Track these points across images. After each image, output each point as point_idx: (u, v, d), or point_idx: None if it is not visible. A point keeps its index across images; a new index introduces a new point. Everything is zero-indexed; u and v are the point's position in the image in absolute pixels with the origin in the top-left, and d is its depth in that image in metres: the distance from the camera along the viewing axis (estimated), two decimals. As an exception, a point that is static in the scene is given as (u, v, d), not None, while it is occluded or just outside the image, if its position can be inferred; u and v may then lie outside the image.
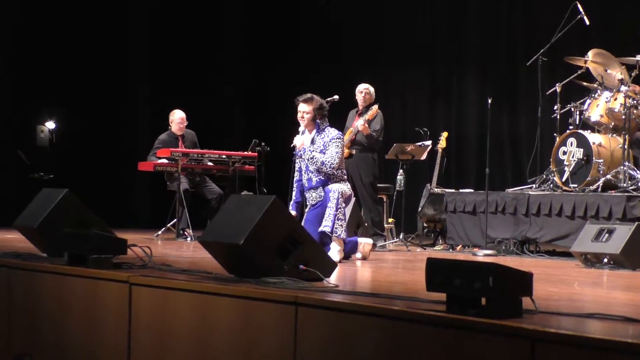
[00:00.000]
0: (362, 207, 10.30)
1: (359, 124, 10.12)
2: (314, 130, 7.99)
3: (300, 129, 8.11)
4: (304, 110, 7.94)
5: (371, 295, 4.72)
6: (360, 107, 10.40)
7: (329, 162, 7.84)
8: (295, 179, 8.24)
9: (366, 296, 4.72)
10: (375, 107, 10.24)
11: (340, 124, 10.21)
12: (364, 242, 8.19)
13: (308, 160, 7.87)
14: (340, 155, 7.94)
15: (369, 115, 10.17)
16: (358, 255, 8.13)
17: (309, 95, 7.96)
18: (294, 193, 8.25)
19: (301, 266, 5.28)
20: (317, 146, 7.93)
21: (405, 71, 14.26)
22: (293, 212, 8.10)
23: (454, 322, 3.86)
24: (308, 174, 7.99)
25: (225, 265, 5.57)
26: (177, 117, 11.28)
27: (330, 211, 7.68)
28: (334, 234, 7.64)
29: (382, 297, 4.63)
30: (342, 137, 8.08)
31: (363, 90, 10.37)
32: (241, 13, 15.84)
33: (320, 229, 7.68)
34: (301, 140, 7.96)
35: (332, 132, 8.00)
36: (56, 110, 14.47)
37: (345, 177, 8.08)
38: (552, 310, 4.20)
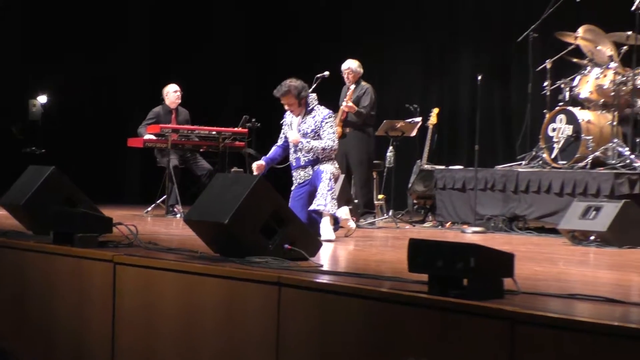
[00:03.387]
0: (353, 185, 10.33)
1: (343, 106, 10.10)
2: (303, 111, 7.97)
3: (287, 118, 8.08)
4: (286, 102, 7.94)
5: (354, 275, 4.73)
6: (349, 85, 10.37)
7: (329, 145, 7.84)
8: (278, 143, 8.21)
9: (349, 276, 4.73)
10: (351, 89, 10.16)
11: (334, 101, 10.18)
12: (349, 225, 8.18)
13: (308, 151, 7.85)
14: (335, 134, 7.95)
15: (347, 95, 10.13)
16: (351, 224, 8.13)
17: (285, 88, 7.88)
18: (271, 152, 8.21)
19: (286, 246, 5.28)
20: (307, 125, 7.90)
21: (398, 48, 14.20)
22: (262, 162, 8.07)
23: (436, 303, 3.86)
24: (297, 154, 7.96)
25: (211, 244, 5.56)
26: (172, 90, 11.25)
27: (323, 190, 7.67)
28: (328, 212, 7.64)
29: (366, 277, 4.64)
30: (332, 115, 8.08)
31: (345, 71, 10.33)
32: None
33: (314, 207, 7.67)
34: (294, 136, 7.91)
35: (322, 111, 7.98)
36: (48, 85, 14.44)
37: (334, 156, 8.05)
38: (536, 290, 4.20)
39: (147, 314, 5.25)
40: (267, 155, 8.22)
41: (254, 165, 8.07)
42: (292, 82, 7.93)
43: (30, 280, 6.12)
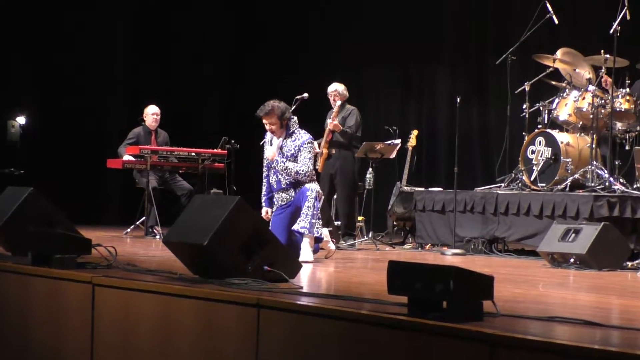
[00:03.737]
0: (335, 205, 10.33)
1: (328, 124, 10.13)
2: (284, 134, 7.97)
3: (267, 137, 8.11)
4: (268, 122, 7.94)
5: (334, 298, 4.71)
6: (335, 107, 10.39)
7: (303, 170, 7.84)
8: (265, 174, 8.21)
9: (329, 298, 4.71)
10: (336, 107, 10.22)
11: (315, 124, 10.17)
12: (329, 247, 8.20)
13: (282, 170, 7.86)
14: (312, 160, 7.96)
15: (333, 113, 10.17)
16: (331, 246, 8.15)
17: (268, 108, 7.88)
18: (264, 188, 8.21)
19: (265, 267, 5.27)
20: (288, 148, 7.91)
21: (378, 70, 14.26)
22: (266, 208, 8.08)
23: (415, 326, 3.85)
24: (277, 176, 7.95)
25: (190, 266, 5.54)
26: (151, 111, 11.26)
27: (307, 211, 7.66)
28: (311, 233, 7.63)
29: (345, 299, 4.62)
30: (312, 140, 8.08)
31: (332, 93, 10.34)
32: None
33: (296, 228, 7.66)
34: (272, 152, 7.93)
35: (302, 135, 7.98)
36: (27, 106, 14.39)
37: (315, 177, 8.07)
38: (515, 313, 4.20)
39: (125, 336, 5.21)
40: (264, 197, 8.20)
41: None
42: (276, 103, 7.93)
43: (8, 301, 6.08)
